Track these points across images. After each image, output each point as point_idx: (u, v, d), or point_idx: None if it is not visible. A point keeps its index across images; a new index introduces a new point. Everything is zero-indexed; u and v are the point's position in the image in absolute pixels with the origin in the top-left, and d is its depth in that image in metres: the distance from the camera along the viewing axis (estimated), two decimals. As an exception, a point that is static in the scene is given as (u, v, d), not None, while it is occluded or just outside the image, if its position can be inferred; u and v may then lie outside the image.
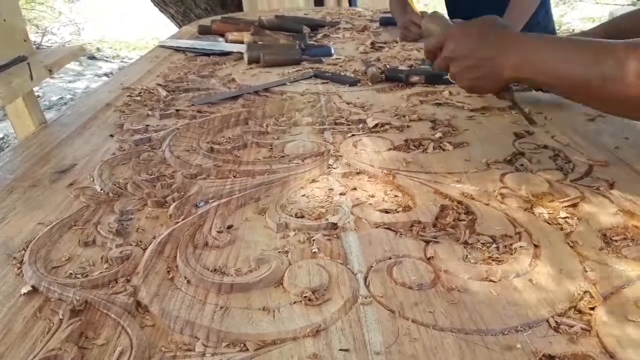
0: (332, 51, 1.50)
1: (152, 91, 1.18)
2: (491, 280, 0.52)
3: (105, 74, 4.81)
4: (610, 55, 0.61)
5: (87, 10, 6.61)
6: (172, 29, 3.31)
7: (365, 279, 0.53)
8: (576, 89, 0.66)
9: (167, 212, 0.65)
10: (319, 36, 1.78)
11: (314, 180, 0.73)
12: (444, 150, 0.82)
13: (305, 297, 0.49)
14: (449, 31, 0.78)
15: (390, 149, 0.83)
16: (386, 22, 1.93)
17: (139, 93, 1.16)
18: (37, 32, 5.91)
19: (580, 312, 0.47)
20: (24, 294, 0.52)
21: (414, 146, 0.84)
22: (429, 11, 0.90)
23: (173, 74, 1.32)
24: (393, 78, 1.19)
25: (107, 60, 5.48)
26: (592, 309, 0.47)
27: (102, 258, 0.57)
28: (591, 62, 0.63)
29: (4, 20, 0.95)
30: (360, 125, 0.93)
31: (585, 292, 0.50)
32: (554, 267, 0.53)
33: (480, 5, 1.65)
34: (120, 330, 0.47)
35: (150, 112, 1.03)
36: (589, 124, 0.91)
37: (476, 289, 0.51)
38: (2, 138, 3.29)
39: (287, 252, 0.57)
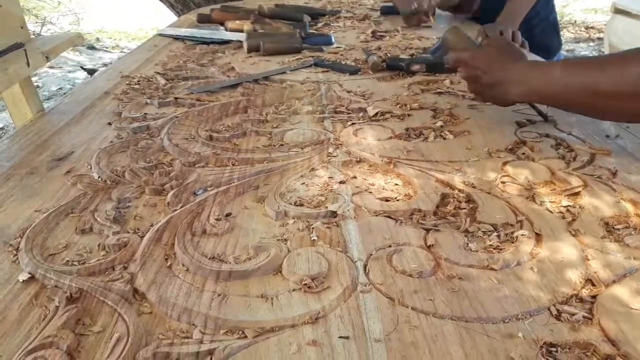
0: (333, 40, 1.49)
1: (150, 79, 1.16)
2: (492, 269, 0.51)
3: (105, 64, 4.78)
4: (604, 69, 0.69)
5: (87, 0, 6.56)
6: (172, 18, 3.29)
7: (365, 266, 0.52)
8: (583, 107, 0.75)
9: (165, 200, 0.65)
10: (319, 25, 1.76)
11: (313, 169, 0.73)
12: (445, 138, 0.81)
13: (304, 284, 0.49)
14: (477, 50, 0.90)
15: (390, 138, 0.82)
16: (387, 11, 1.92)
17: (138, 81, 1.15)
18: (36, 22, 5.86)
19: (582, 300, 0.47)
20: (22, 281, 0.51)
21: (415, 135, 0.83)
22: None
23: (172, 63, 1.31)
24: (394, 67, 1.18)
25: (106, 51, 5.45)
26: (594, 297, 0.47)
27: (99, 245, 0.56)
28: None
29: (0, 6, 0.93)
30: (361, 114, 0.92)
31: (587, 280, 0.49)
32: (556, 256, 0.53)
33: None
34: (117, 317, 0.46)
35: (148, 100, 1.02)
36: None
37: (477, 277, 0.50)
38: (2, 128, 3.27)
39: (286, 240, 0.57)
